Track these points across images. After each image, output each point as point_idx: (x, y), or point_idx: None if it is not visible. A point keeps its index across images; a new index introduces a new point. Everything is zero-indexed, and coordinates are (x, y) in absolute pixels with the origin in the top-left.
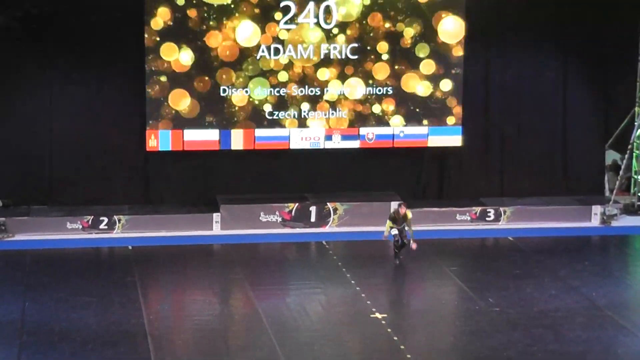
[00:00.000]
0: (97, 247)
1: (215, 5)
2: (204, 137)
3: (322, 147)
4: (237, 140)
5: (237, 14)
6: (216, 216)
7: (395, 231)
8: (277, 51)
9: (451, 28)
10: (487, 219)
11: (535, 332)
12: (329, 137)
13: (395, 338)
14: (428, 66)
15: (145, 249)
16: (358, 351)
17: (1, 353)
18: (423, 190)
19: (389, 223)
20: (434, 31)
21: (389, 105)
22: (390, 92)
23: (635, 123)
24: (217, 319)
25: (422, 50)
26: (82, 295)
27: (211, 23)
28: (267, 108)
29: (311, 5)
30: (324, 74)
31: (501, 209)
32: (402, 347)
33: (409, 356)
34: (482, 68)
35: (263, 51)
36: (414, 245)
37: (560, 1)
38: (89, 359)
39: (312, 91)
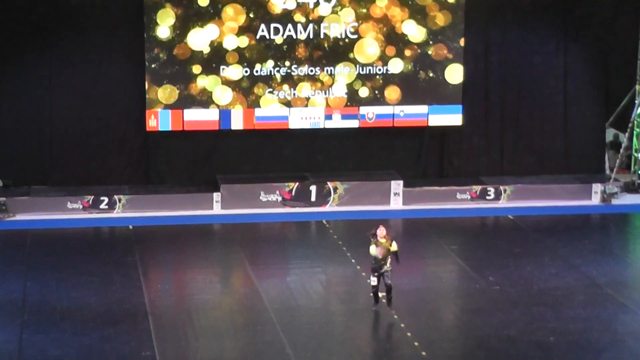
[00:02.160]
0: (98, 227)
1: None
2: (204, 117)
3: (322, 126)
4: (237, 120)
5: None
6: (216, 196)
7: (374, 281)
8: (277, 30)
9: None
10: (487, 197)
11: (536, 310)
12: (328, 117)
13: (396, 316)
14: (429, 44)
15: (145, 229)
16: (359, 329)
17: (3, 332)
18: (423, 169)
19: (372, 251)
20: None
21: (389, 85)
22: (390, 71)
23: (636, 101)
24: (218, 298)
25: (421, 31)
26: (83, 275)
27: (211, 10)
28: (267, 87)
29: None
30: (323, 52)
31: (501, 187)
32: (402, 325)
33: (409, 334)
34: (482, 46)
35: (263, 30)
36: (394, 261)
37: None
38: (90, 338)
39: (311, 70)
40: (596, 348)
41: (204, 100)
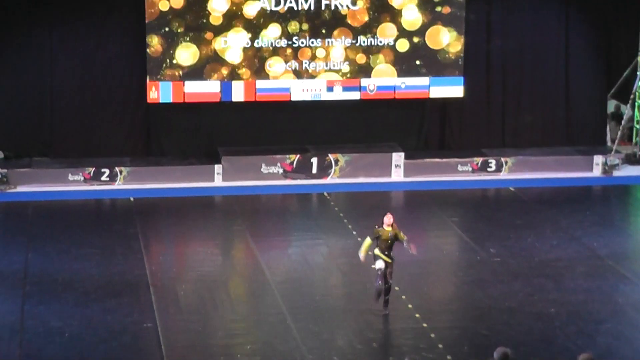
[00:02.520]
0: (99, 199)
1: None
2: (205, 89)
3: (323, 98)
4: (238, 92)
5: None
6: (217, 168)
7: (380, 264)
8: (277, 2)
9: None
10: (488, 169)
11: (536, 282)
12: (330, 89)
13: (397, 288)
14: (431, 17)
15: (146, 201)
16: (360, 302)
17: (5, 303)
18: (424, 141)
19: (367, 242)
20: None
21: (391, 56)
22: (392, 43)
23: (638, 73)
24: (219, 270)
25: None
26: (84, 247)
27: None
28: (268, 59)
29: None
30: (325, 24)
31: (502, 159)
32: (403, 297)
33: (410, 306)
34: (483, 17)
35: (264, 2)
36: (413, 249)
37: None
38: (91, 309)
39: (312, 42)
40: (597, 319)
41: (206, 71)
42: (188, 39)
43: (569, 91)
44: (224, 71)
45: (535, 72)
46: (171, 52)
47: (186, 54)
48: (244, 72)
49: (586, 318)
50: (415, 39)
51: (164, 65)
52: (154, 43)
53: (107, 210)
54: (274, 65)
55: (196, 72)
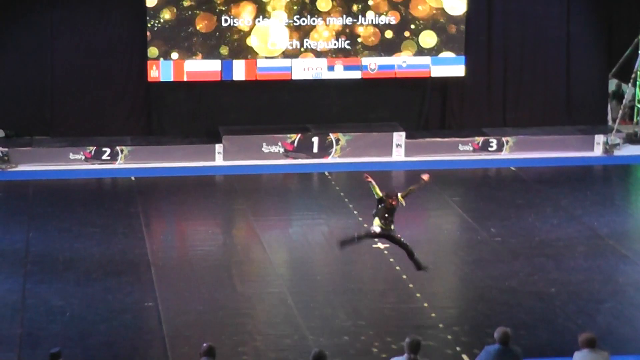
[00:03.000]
0: (100, 178)
1: None
2: (206, 67)
3: (324, 77)
4: (239, 70)
5: None
6: (218, 147)
7: (377, 228)
8: None
9: None
10: (489, 149)
11: (537, 262)
12: (331, 68)
13: (398, 268)
14: None
15: (147, 180)
16: (361, 281)
17: (6, 281)
18: (425, 120)
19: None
20: None
21: (392, 35)
22: (393, 21)
23: (639, 52)
24: (220, 250)
25: None
26: (85, 226)
27: None
28: (269, 38)
29: None
30: (325, 3)
31: (503, 139)
32: (404, 276)
33: (411, 285)
34: None
35: None
36: (425, 176)
37: None
38: (93, 288)
39: (314, 21)
40: (597, 299)
41: (206, 50)
42: (191, 14)
43: (570, 70)
44: (224, 51)
45: (536, 52)
46: (176, 26)
47: (192, 28)
48: (244, 51)
49: (586, 297)
50: (418, 18)
51: (168, 39)
52: (163, 15)
53: (108, 190)
54: (275, 44)
55: (198, 45)
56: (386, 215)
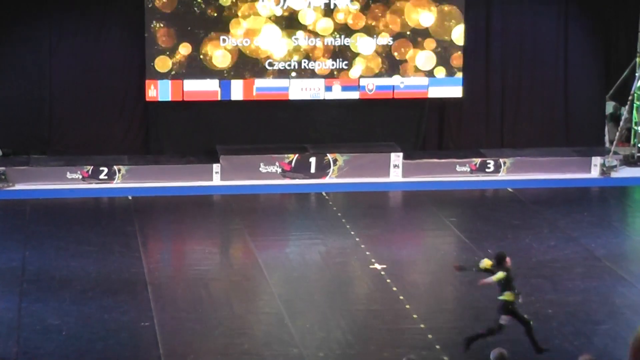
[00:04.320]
0: (97, 197)
1: None
2: (204, 87)
3: (322, 97)
4: (237, 90)
5: None
6: (216, 167)
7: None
8: (277, 0)
9: None
10: (486, 170)
11: (534, 282)
12: (329, 88)
13: (395, 288)
14: (430, 15)
15: (144, 199)
16: (357, 301)
17: (2, 300)
18: (423, 141)
19: (499, 275)
20: None
21: (392, 56)
22: (392, 42)
23: (636, 74)
24: (217, 269)
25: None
26: (82, 244)
27: None
28: (268, 58)
29: None
30: (325, 23)
31: (501, 160)
32: (401, 297)
33: (408, 306)
34: (483, 18)
35: (264, 0)
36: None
37: None
38: (89, 307)
39: (312, 42)
40: (594, 320)
41: (203, 70)
42: (186, 36)
43: (568, 92)
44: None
45: (534, 73)
46: (172, 46)
47: (184, 50)
48: (242, 71)
49: (583, 319)
50: (417, 38)
51: (165, 56)
52: (158, 34)
53: (105, 209)
54: (273, 64)
55: (195, 69)
56: (512, 284)
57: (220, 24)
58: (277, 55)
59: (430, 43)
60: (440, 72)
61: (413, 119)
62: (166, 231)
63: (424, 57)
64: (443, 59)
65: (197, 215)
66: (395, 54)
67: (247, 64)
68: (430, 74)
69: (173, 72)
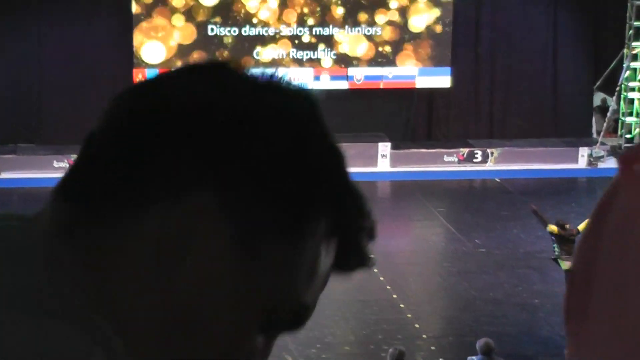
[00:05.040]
0: None
1: None
2: None
3: (310, 87)
4: None
5: None
6: None
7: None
8: None
9: None
10: (474, 160)
11: (521, 273)
12: (317, 78)
13: (382, 278)
14: (419, 7)
15: None
16: (344, 291)
17: None
18: (411, 131)
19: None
20: None
21: (380, 46)
22: (380, 32)
23: (624, 65)
24: None
25: None
26: None
27: None
28: (255, 48)
29: None
30: (312, 13)
31: (489, 150)
32: (388, 287)
33: (395, 296)
34: (472, 8)
35: None
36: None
37: None
38: None
39: (300, 31)
40: None
41: (192, 59)
42: (177, 22)
43: (556, 83)
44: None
45: (523, 64)
46: (161, 35)
47: (176, 35)
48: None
49: None
50: (404, 26)
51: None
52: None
53: None
54: (260, 53)
55: (183, 54)
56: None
57: (210, 15)
58: (266, 45)
59: (418, 32)
60: (428, 61)
61: (401, 109)
62: None
63: (413, 47)
64: (430, 48)
65: None
66: (385, 43)
67: (237, 54)
68: (418, 63)
69: (161, 62)
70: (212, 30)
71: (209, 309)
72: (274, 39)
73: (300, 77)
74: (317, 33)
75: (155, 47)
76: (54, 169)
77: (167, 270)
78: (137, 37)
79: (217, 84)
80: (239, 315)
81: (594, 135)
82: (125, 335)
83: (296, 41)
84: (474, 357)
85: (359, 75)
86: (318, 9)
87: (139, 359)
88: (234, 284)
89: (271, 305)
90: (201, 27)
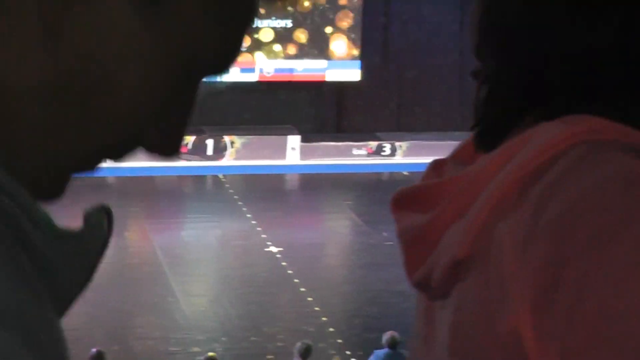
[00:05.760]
0: None
1: None
2: None
3: (219, 79)
4: None
5: None
6: None
7: None
8: None
9: None
10: (382, 153)
11: None
12: None
13: (290, 271)
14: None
15: None
16: (252, 284)
17: None
18: (321, 124)
19: None
20: None
21: (288, 38)
22: (290, 25)
23: None
24: (111, 252)
25: None
26: None
27: None
28: None
29: None
30: None
31: (397, 143)
32: (296, 280)
33: (302, 289)
34: (381, 1)
35: None
36: None
37: None
38: None
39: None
40: None
41: None
42: None
43: (464, 76)
44: None
45: (431, 57)
46: None
47: None
48: None
49: None
50: (313, 20)
51: None
52: None
53: None
54: None
55: None
56: None
57: None
58: None
59: (327, 24)
60: (339, 53)
61: (311, 102)
62: (62, 213)
63: (323, 39)
64: (340, 39)
65: (92, 197)
66: (295, 36)
67: None
68: (328, 56)
69: None
70: None
71: (110, 63)
72: None
73: None
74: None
75: None
76: None
77: (53, 21)
78: None
79: None
80: (150, 68)
81: None
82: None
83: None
84: (380, 351)
85: (269, 67)
86: None
87: (25, 158)
88: (138, 31)
89: (189, 54)
90: None
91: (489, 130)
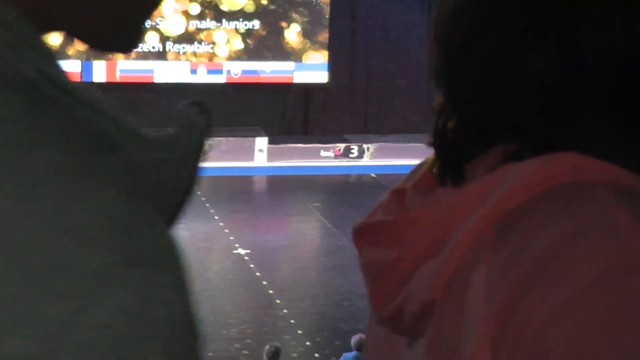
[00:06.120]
0: None
1: None
2: (65, 68)
3: (187, 81)
4: (100, 72)
5: None
6: None
7: None
8: None
9: None
10: (350, 155)
11: None
12: (194, 71)
13: (258, 274)
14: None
15: None
16: (220, 286)
17: None
18: (288, 126)
19: None
20: None
21: (255, 40)
22: (257, 27)
23: None
24: None
25: None
26: None
27: None
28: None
29: None
30: (189, 7)
31: (365, 145)
32: (264, 282)
33: (271, 292)
34: (348, 3)
35: None
36: None
37: None
38: None
39: (179, 24)
40: None
41: (63, 51)
42: None
43: (431, 80)
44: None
45: (399, 59)
46: None
47: None
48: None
49: None
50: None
51: None
52: None
53: None
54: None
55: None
56: None
57: None
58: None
59: (295, 25)
60: (307, 54)
61: (278, 104)
62: None
63: (291, 40)
64: (309, 41)
65: None
66: (261, 36)
67: None
68: (296, 58)
69: None
70: None
71: None
72: (150, 30)
73: (178, 70)
74: (195, 26)
75: None
76: None
77: None
78: None
79: None
80: None
81: None
82: None
83: (174, 34)
84: (349, 353)
85: (236, 69)
86: (196, 1)
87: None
88: None
89: None
90: None
91: (454, 164)
